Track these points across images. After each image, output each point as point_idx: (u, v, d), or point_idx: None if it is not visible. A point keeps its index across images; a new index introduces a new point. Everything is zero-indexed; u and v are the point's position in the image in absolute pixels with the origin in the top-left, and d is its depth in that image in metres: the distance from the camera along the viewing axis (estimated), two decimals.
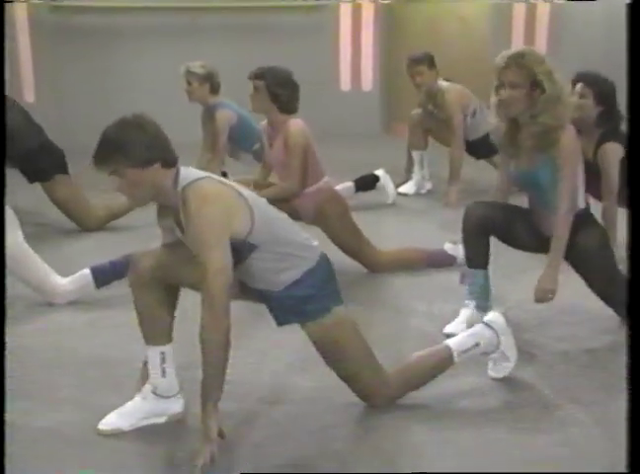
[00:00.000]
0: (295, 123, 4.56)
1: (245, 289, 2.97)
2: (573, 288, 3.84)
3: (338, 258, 4.68)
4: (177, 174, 2.80)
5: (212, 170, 5.60)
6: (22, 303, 4.21)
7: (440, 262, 4.74)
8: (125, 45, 8.78)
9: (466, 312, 3.80)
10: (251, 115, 5.42)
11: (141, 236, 4.81)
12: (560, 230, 3.60)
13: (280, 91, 4.55)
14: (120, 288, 3.86)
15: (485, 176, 6.38)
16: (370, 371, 3.05)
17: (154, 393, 3.01)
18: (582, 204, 3.72)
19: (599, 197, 4.45)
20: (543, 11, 9.05)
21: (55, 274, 4.25)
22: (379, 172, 6.31)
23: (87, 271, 4.32)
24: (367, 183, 6.25)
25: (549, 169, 3.60)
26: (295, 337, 3.11)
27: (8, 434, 2.64)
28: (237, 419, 3.02)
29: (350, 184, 6.12)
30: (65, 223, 5.67)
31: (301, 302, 2.93)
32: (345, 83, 9.46)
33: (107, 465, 2.78)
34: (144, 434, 2.98)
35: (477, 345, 3.21)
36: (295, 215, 4.70)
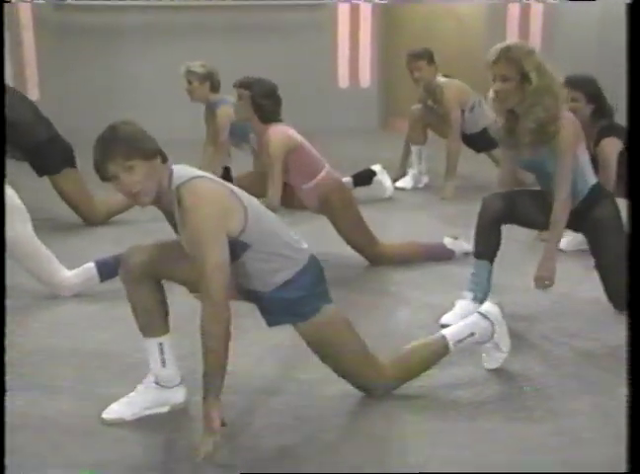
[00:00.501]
0: (275, 132, 4.59)
1: (237, 290, 2.98)
2: (569, 279, 3.88)
3: (337, 250, 4.76)
4: (170, 174, 2.82)
5: (216, 163, 5.70)
6: (25, 295, 4.25)
7: (438, 255, 4.80)
8: (129, 44, 8.80)
9: (462, 303, 3.84)
10: None
11: (145, 230, 4.84)
12: (558, 216, 3.67)
13: (264, 102, 4.60)
14: None
15: (483, 171, 6.43)
16: (366, 365, 3.07)
17: (156, 383, 3.05)
18: (592, 180, 3.81)
19: None
20: (537, 10, 9.12)
21: (63, 267, 4.28)
22: (376, 167, 6.36)
23: (91, 264, 4.36)
24: (364, 178, 6.30)
25: (554, 158, 3.66)
26: (294, 330, 3.13)
27: (10, 423, 2.65)
28: (238, 409, 3.05)
29: (348, 179, 6.16)
30: (70, 218, 5.70)
31: (292, 303, 2.95)
32: (343, 80, 9.49)
33: (109, 454, 2.80)
34: (146, 423, 3.00)
35: (472, 334, 3.23)
36: (302, 205, 4.80)
